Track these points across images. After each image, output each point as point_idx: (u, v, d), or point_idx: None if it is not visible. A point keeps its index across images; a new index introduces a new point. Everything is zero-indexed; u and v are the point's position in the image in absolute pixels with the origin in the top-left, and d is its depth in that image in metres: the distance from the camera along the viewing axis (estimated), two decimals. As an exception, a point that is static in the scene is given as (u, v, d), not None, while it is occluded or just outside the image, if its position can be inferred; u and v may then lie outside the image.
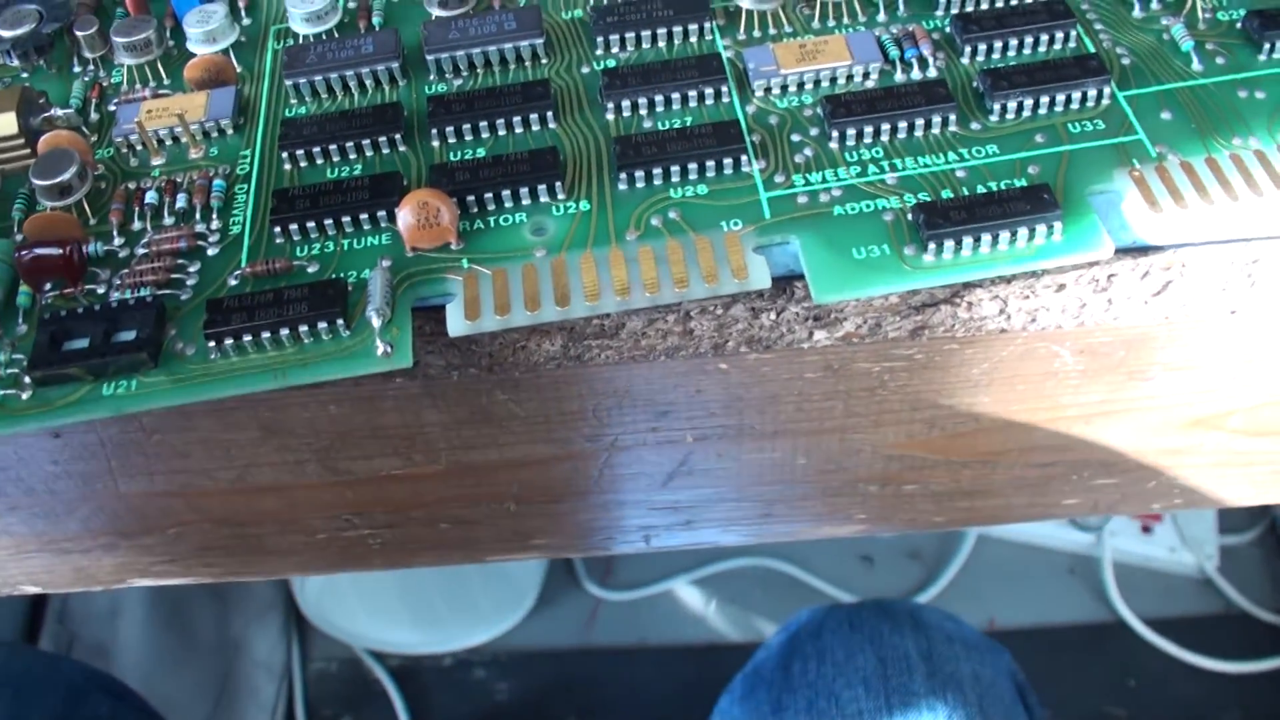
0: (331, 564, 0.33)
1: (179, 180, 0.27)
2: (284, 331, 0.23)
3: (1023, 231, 0.24)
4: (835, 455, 0.30)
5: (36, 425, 0.24)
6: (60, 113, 0.28)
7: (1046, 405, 0.29)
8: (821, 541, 0.88)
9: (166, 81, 0.29)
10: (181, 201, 0.26)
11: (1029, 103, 0.26)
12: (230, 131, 0.28)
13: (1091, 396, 0.29)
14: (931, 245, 0.24)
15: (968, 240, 0.24)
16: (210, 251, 0.25)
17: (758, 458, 0.30)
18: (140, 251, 0.25)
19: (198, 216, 0.26)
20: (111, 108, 0.29)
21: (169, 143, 0.28)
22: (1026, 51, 0.27)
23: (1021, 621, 0.83)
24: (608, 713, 0.81)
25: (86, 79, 0.30)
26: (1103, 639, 0.82)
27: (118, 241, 0.26)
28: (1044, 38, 0.27)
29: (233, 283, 0.25)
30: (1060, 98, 0.26)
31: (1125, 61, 0.27)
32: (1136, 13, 0.28)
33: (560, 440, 0.29)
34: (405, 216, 0.24)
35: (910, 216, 0.24)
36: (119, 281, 0.25)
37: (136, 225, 0.26)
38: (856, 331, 0.26)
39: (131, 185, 0.27)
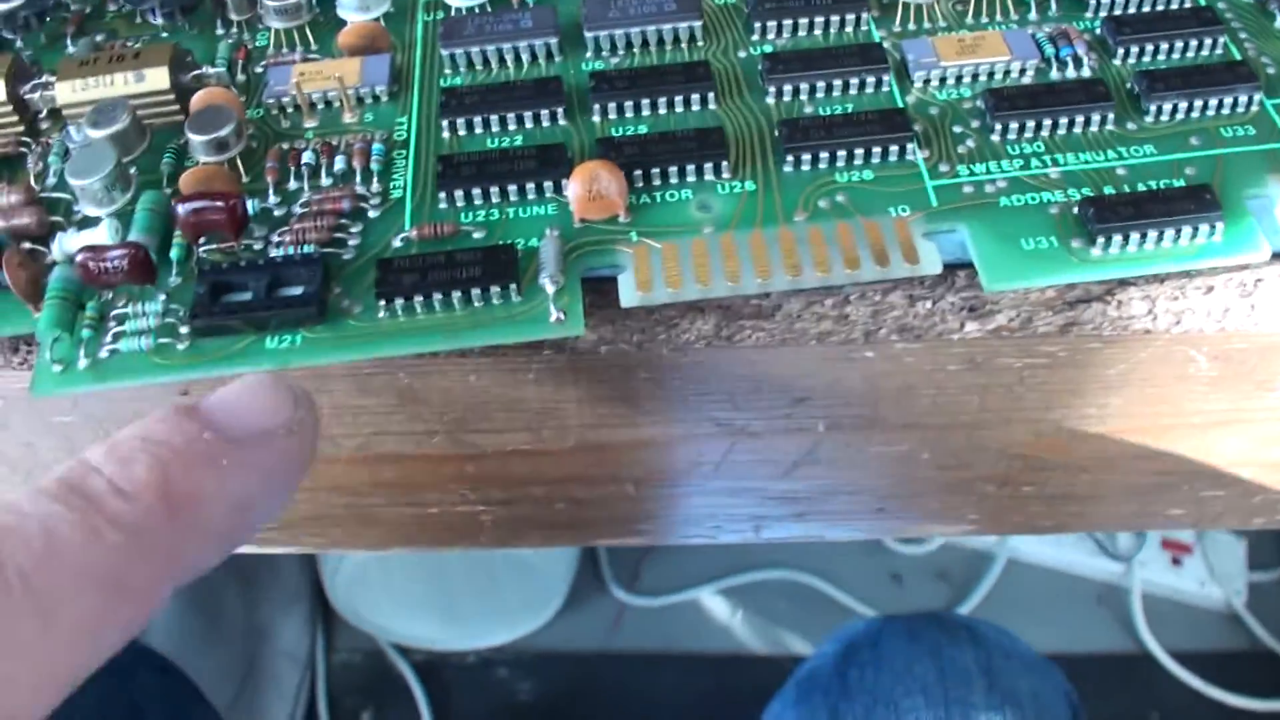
0: (437, 539, 0.33)
1: (335, 143, 0.27)
2: (456, 294, 0.23)
3: (1186, 230, 0.24)
4: (960, 451, 0.30)
5: (195, 374, 0.23)
6: (212, 71, 0.28)
7: (1173, 411, 0.29)
8: (852, 556, 0.88)
9: (315, 47, 0.29)
10: (340, 163, 0.26)
11: (1183, 105, 0.26)
12: (385, 99, 0.28)
13: (1218, 404, 0.29)
14: (1100, 239, 0.24)
15: (1134, 236, 0.24)
16: (371, 214, 0.25)
17: (883, 450, 0.30)
18: (299, 210, 0.25)
19: (357, 179, 0.26)
20: (259, 69, 0.29)
21: (321, 106, 0.28)
22: (1176, 56, 0.28)
23: (1046, 648, 0.83)
24: (629, 718, 0.81)
25: (231, 41, 0.30)
26: (1128, 670, 0.82)
27: (274, 200, 0.26)
28: (1193, 43, 0.28)
29: (398, 244, 0.25)
30: (1212, 102, 0.26)
31: (1270, 71, 0.27)
32: (1278, 24, 0.28)
33: (692, 421, 0.29)
34: (575, 187, 0.24)
35: (1077, 210, 0.24)
36: (279, 238, 0.25)
37: (293, 185, 0.26)
38: (1008, 325, 0.26)
39: (286, 145, 0.27)
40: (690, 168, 0.25)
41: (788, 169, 0.25)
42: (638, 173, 0.25)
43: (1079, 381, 0.28)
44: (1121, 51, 0.27)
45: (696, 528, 0.33)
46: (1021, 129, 0.26)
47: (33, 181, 0.27)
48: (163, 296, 0.24)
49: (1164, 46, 0.27)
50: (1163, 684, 0.81)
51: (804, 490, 0.31)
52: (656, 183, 0.25)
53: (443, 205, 0.25)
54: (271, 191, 0.26)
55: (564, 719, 0.81)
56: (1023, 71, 0.27)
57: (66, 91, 0.27)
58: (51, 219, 0.26)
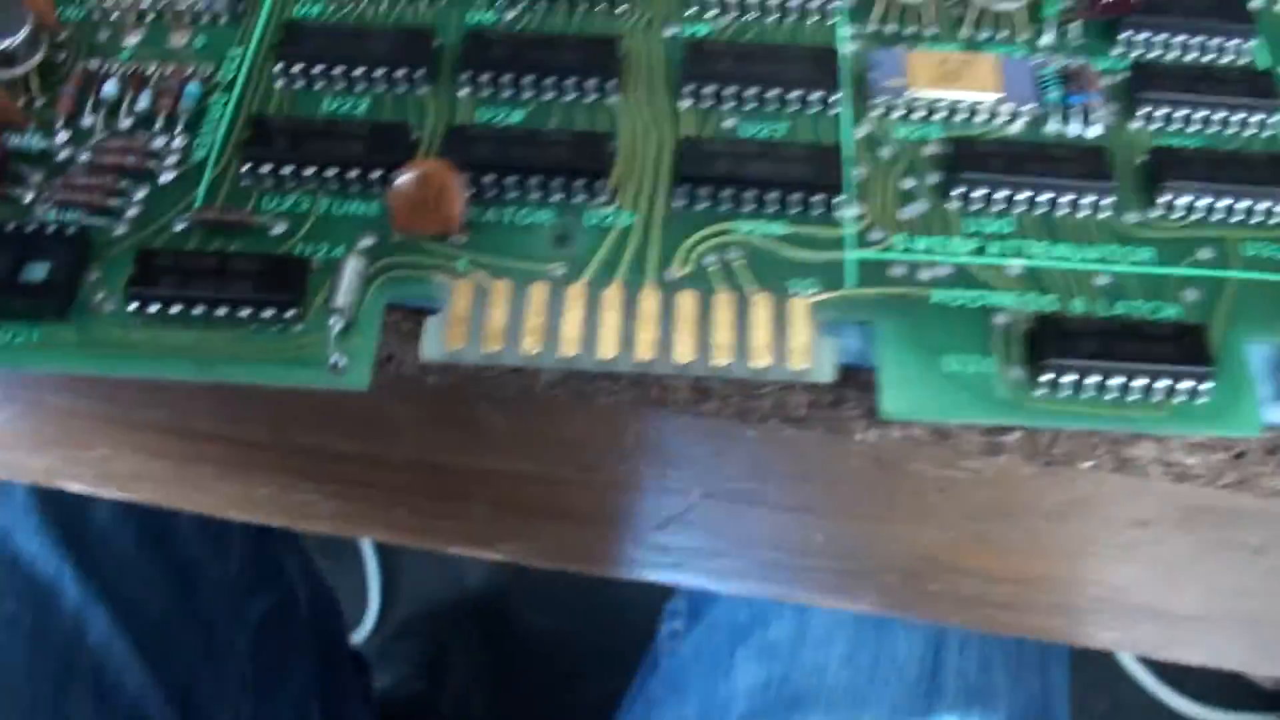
0: (271, 515, 0.30)
1: (149, 73, 0.22)
2: (221, 310, 0.19)
3: (1161, 385, 0.18)
4: (860, 541, 0.26)
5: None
6: (27, -48, 0.23)
7: (1120, 550, 0.24)
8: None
9: (166, -65, 0.24)
10: (145, 101, 0.21)
11: (1203, 203, 0.20)
12: (224, 19, 0.22)
13: (1173, 549, 0.24)
14: (1045, 376, 0.18)
15: (1092, 379, 0.18)
16: (163, 177, 0.20)
17: (771, 525, 0.26)
18: (82, 158, 0.21)
19: (159, 125, 0.21)
20: (93, -46, 0.24)
21: (150, 18, 0.22)
22: (1213, 129, 0.21)
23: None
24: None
25: (73, -91, 0.24)
26: (1093, 677, 0.79)
27: (60, 138, 0.21)
28: (1237, 118, 0.21)
29: (179, 227, 0.20)
30: (1243, 206, 0.20)
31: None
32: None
33: (548, 463, 0.24)
34: (401, 190, 0.19)
35: (1027, 328, 0.19)
36: (47, 195, 0.20)
37: (87, 121, 0.21)
38: (920, 436, 0.21)
39: (94, 65, 0.22)
40: (558, 182, 0.20)
41: (679, 203, 0.20)
42: (489, 178, 0.20)
43: (1007, 503, 0.23)
44: (1144, 112, 0.21)
45: (567, 556, 0.29)
46: (988, 199, 0.20)
47: None
48: (-105, 244, 0.20)
49: (1199, 115, 0.21)
50: (1129, 692, 0.78)
51: (679, 544, 0.27)
52: (512, 195, 0.20)
53: (245, 183, 0.20)
54: (61, 126, 0.21)
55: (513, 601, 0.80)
56: (1013, 117, 0.21)
57: None
58: None
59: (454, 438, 0.24)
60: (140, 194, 0.20)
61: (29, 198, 0.20)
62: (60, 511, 0.36)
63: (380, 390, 0.22)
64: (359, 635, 0.75)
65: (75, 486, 0.30)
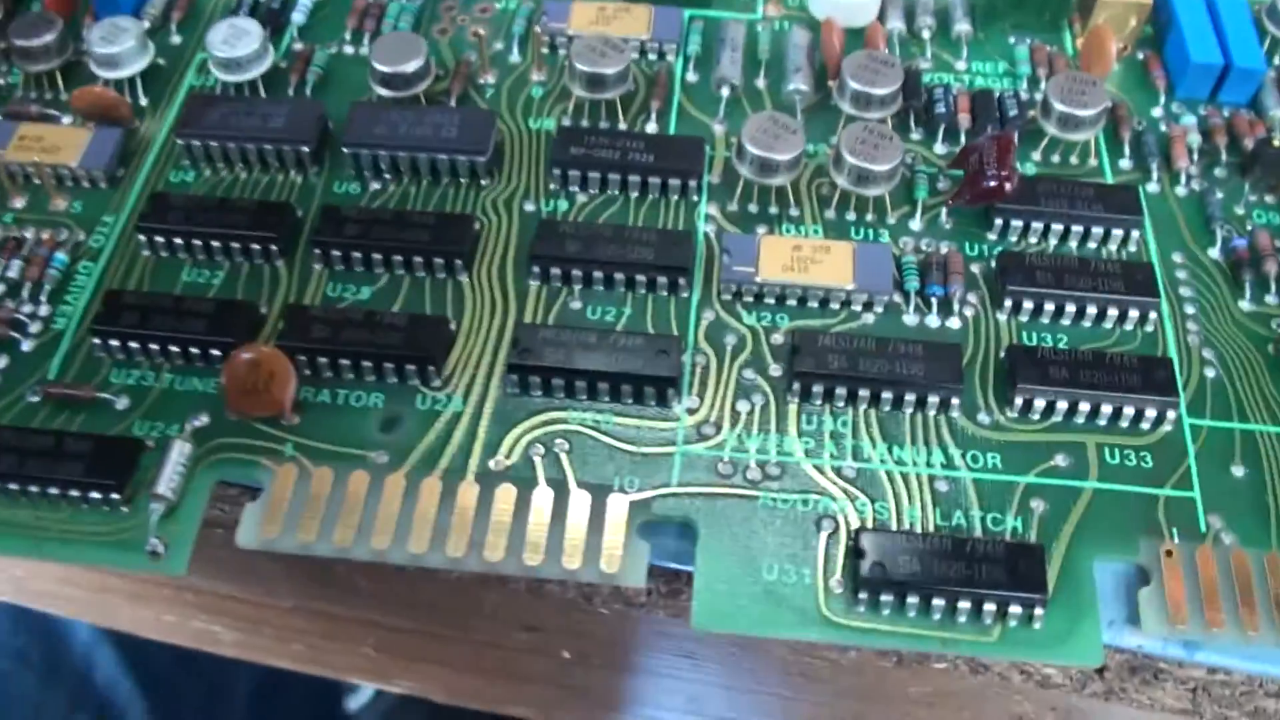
0: (184, 639, 0.30)
1: (25, 238, 0.22)
2: (54, 490, 0.19)
3: (990, 607, 0.17)
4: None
5: None
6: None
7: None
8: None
9: (65, 97, 0.25)
10: (15, 270, 0.22)
11: (1063, 405, 0.19)
12: (104, 184, 0.23)
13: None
14: (865, 594, 0.18)
15: (914, 600, 0.17)
16: (24, 345, 0.21)
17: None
18: (-52, 325, 0.21)
19: (25, 294, 0.22)
20: (-3, 114, 0.24)
21: (37, 182, 0.23)
22: (1086, 325, 0.20)
23: None
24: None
25: (-19, 70, 0.25)
26: None
27: (-66, 302, 0.22)
28: (1112, 313, 0.20)
29: (32, 399, 0.20)
30: (1107, 409, 0.19)
31: (1210, 374, 0.20)
32: (1245, 303, 0.21)
33: (421, 616, 0.24)
34: (233, 374, 0.19)
35: (853, 540, 0.18)
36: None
37: (-39, 286, 0.22)
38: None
39: (-23, 228, 0.23)
40: (390, 367, 0.20)
41: (512, 390, 0.20)
42: (323, 359, 0.20)
43: (872, 689, 0.22)
44: (1010, 304, 0.20)
45: (455, 696, 0.29)
46: (830, 395, 0.19)
47: None
48: None
49: (1070, 309, 0.20)
50: None
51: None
52: (348, 377, 0.20)
53: (99, 354, 0.21)
54: (-63, 289, 0.22)
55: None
56: (867, 306, 0.21)
57: None
58: None
59: (327, 592, 0.24)
60: (1, 364, 0.21)
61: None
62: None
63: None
64: (356, 702, 0.75)
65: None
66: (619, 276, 0.21)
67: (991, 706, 0.22)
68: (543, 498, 0.19)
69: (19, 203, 0.23)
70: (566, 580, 0.19)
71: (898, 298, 0.21)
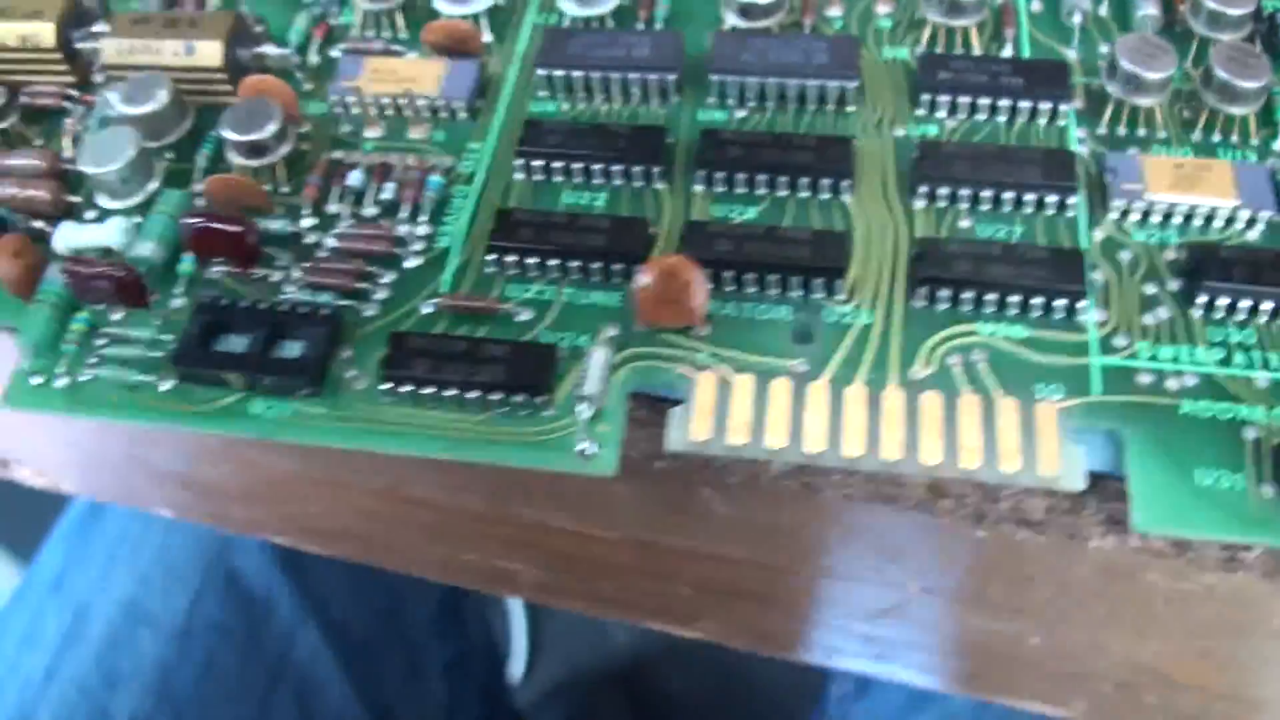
0: (472, 581, 0.30)
1: (392, 164, 0.23)
2: (472, 394, 0.19)
3: None
4: (1076, 649, 0.25)
5: (168, 425, 0.20)
6: (274, 52, 0.24)
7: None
8: None
9: (404, 34, 0.25)
10: (389, 192, 0.22)
11: None
12: (463, 115, 0.23)
13: None
14: (1309, 495, 0.18)
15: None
16: (409, 263, 0.21)
17: (986, 625, 0.25)
18: (330, 244, 0.22)
19: (403, 214, 0.22)
20: (335, 53, 0.25)
21: (390, 113, 0.24)
22: None
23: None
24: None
25: (315, 12, 0.26)
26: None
27: (306, 223, 0.22)
28: None
29: (426, 310, 0.21)
30: None
31: None
32: None
33: (764, 549, 0.24)
34: (646, 282, 0.19)
35: (1277, 443, 0.18)
36: (298, 275, 0.21)
37: (332, 208, 0.22)
38: (1159, 548, 0.20)
39: (337, 156, 0.23)
40: (796, 280, 0.20)
41: (918, 304, 0.20)
42: (728, 273, 0.20)
43: (1239, 620, 0.22)
44: (1401, 218, 0.21)
45: (765, 640, 0.29)
46: (1232, 307, 0.20)
47: (69, 146, 0.24)
48: (157, 322, 0.21)
49: None
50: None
51: (886, 636, 0.26)
52: (750, 290, 0.20)
53: (490, 270, 0.21)
54: (307, 213, 0.22)
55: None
56: (1250, 223, 0.21)
57: (113, 50, 0.24)
58: (70, 199, 0.23)
59: (671, 520, 0.24)
60: (387, 278, 0.21)
61: (279, 276, 0.21)
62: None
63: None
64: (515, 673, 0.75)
65: (279, 540, 0.31)
66: (1007, 196, 0.21)
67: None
68: (968, 405, 0.19)
69: (374, 132, 0.23)
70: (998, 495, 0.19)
71: (1277, 217, 0.21)
